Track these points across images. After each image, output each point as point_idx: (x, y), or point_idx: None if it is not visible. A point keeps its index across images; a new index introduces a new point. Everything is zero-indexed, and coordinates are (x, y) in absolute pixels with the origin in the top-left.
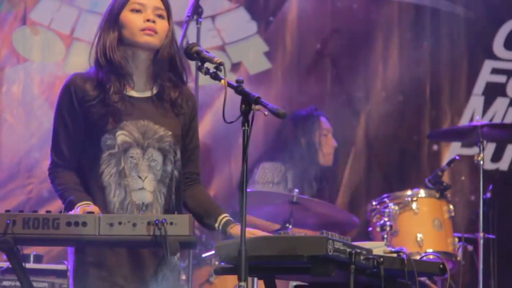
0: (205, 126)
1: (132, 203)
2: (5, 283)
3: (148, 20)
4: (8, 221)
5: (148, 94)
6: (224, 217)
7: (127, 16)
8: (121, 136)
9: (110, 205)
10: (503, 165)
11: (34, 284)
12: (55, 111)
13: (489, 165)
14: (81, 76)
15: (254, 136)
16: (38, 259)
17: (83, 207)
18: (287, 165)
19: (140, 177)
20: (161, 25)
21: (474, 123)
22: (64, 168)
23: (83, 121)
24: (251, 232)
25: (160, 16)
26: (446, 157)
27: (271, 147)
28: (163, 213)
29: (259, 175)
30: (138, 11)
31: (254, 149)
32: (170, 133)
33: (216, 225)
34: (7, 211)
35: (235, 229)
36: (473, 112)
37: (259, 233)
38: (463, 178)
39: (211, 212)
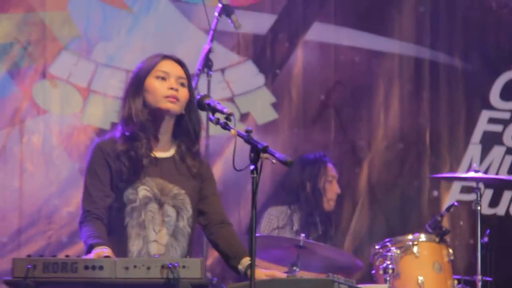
0: (216, 174)
1: (148, 253)
2: None
3: (171, 88)
4: (29, 266)
5: (169, 154)
6: (248, 260)
7: (152, 82)
8: (143, 191)
9: (129, 254)
10: (500, 210)
11: None
12: (86, 167)
13: (487, 210)
14: (109, 140)
15: (262, 182)
16: None
17: (98, 252)
18: (293, 207)
19: (154, 230)
20: (183, 93)
21: (472, 176)
22: (96, 217)
23: (112, 177)
24: (269, 274)
25: (182, 84)
26: (445, 203)
27: (277, 189)
28: None
29: (264, 223)
30: (162, 78)
31: (261, 195)
32: (183, 191)
33: (240, 267)
34: (28, 256)
35: (256, 273)
36: (471, 160)
37: (278, 274)
38: (461, 223)
39: (236, 254)
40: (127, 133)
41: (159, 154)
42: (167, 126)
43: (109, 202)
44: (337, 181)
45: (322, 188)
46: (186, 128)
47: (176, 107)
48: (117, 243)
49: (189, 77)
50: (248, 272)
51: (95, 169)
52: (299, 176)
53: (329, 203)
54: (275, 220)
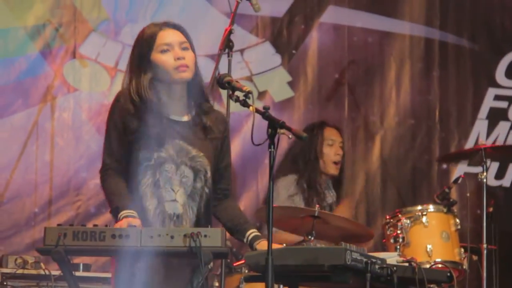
0: (235, 149)
1: (164, 212)
2: None
3: (179, 58)
4: (60, 234)
5: (185, 119)
6: (252, 233)
7: (158, 58)
8: (157, 152)
9: (146, 212)
10: (505, 182)
11: None
12: (107, 119)
13: (493, 182)
14: (126, 94)
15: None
16: (86, 268)
17: (128, 220)
18: (300, 174)
19: (173, 190)
20: (190, 58)
21: (478, 146)
22: (115, 170)
23: (128, 134)
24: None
25: (185, 48)
26: (454, 175)
27: (283, 161)
28: (192, 225)
29: (279, 195)
30: (166, 51)
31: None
32: (202, 154)
33: (245, 240)
34: (59, 225)
35: (261, 245)
36: (478, 135)
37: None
38: (468, 194)
39: (240, 227)
40: (138, 101)
41: (176, 117)
42: (181, 92)
43: (127, 154)
44: (341, 144)
45: (320, 152)
46: (197, 89)
47: (188, 75)
48: (134, 200)
49: (189, 38)
50: (254, 244)
51: (115, 121)
52: (300, 143)
53: (332, 167)
54: (283, 192)
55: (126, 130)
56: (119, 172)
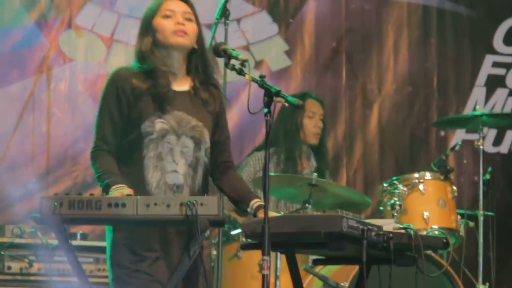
0: (232, 117)
1: (166, 183)
2: (55, 258)
3: (178, 23)
4: (56, 203)
5: (185, 88)
6: (255, 202)
7: (159, 21)
8: (160, 124)
9: (148, 185)
10: (503, 149)
11: (80, 259)
12: (101, 100)
13: (491, 149)
14: (126, 70)
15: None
16: (84, 237)
17: (120, 191)
18: (276, 147)
19: (174, 161)
20: (191, 27)
21: (474, 112)
22: (106, 151)
23: (126, 109)
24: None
25: (189, 19)
26: (452, 142)
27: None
28: (190, 194)
29: (247, 169)
30: (168, 16)
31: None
32: (201, 123)
33: (249, 210)
34: (55, 194)
35: (263, 214)
36: (476, 102)
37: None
38: (465, 161)
39: (244, 198)
40: (146, 69)
41: (176, 87)
42: (180, 61)
43: (119, 137)
44: (321, 117)
45: (300, 123)
46: (198, 63)
47: (185, 41)
48: (135, 174)
49: (195, 12)
50: (257, 213)
51: (108, 102)
52: (282, 111)
53: (312, 137)
54: (257, 163)
55: (127, 104)
56: (110, 152)
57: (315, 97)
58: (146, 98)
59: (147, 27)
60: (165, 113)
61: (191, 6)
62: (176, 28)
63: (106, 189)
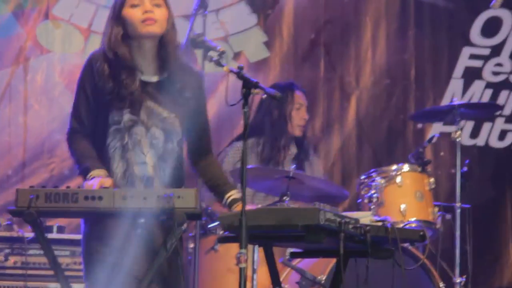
0: (210, 110)
1: (134, 175)
2: (31, 251)
3: (146, 11)
4: (32, 196)
5: (156, 79)
6: (230, 196)
7: (127, 11)
8: (128, 115)
9: (113, 175)
10: (480, 141)
11: (57, 252)
12: (77, 82)
13: (468, 141)
14: (101, 54)
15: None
16: (60, 230)
17: (100, 181)
18: (257, 138)
19: (142, 153)
20: (160, 13)
21: (452, 103)
22: (82, 134)
23: (101, 93)
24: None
25: (157, 5)
26: (429, 134)
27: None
28: (161, 185)
29: (228, 158)
30: (136, 5)
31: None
32: (173, 115)
33: (223, 202)
34: (31, 187)
35: (238, 208)
36: (453, 94)
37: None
38: (442, 153)
39: (220, 189)
40: (112, 57)
41: (148, 78)
42: (152, 50)
43: (94, 120)
44: (306, 109)
45: (288, 115)
46: (170, 47)
47: (155, 28)
48: (101, 163)
49: None
50: (232, 207)
51: (84, 85)
52: (268, 104)
53: (297, 129)
54: (237, 154)
55: (99, 92)
56: (87, 135)
57: (301, 88)
58: (117, 88)
59: (117, 18)
60: (135, 106)
61: None
62: (145, 16)
63: (84, 173)
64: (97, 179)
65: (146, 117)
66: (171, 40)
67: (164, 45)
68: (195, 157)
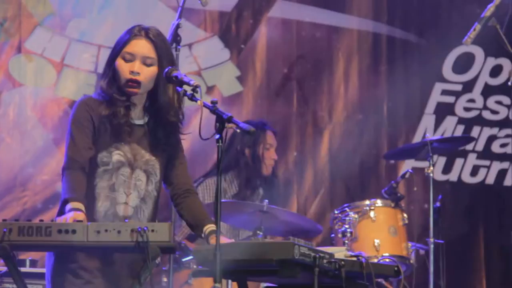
0: (184, 144)
1: (115, 214)
2: (5, 285)
3: (133, 72)
4: (5, 230)
5: (141, 122)
6: (208, 227)
7: (119, 63)
8: (116, 156)
9: (97, 214)
10: (452, 177)
11: (30, 286)
12: (71, 120)
13: (440, 177)
14: (92, 98)
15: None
16: (33, 263)
17: (73, 216)
18: (231, 173)
19: (125, 193)
20: (147, 73)
21: (424, 139)
22: (79, 167)
23: (93, 135)
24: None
25: (148, 64)
26: (402, 169)
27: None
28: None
29: (202, 193)
30: (128, 60)
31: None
32: (153, 158)
33: (202, 235)
34: (4, 220)
35: (214, 240)
36: (425, 129)
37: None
38: (415, 189)
39: (199, 223)
40: (107, 98)
41: (135, 120)
42: (139, 98)
43: (92, 154)
44: (275, 149)
45: (260, 155)
46: (157, 101)
47: (136, 91)
48: (87, 202)
49: (160, 53)
50: (209, 239)
51: (81, 121)
52: (240, 142)
53: (267, 169)
54: (206, 191)
55: (93, 130)
56: (82, 168)
57: (272, 128)
58: (106, 128)
59: (110, 64)
60: (123, 145)
61: (157, 47)
62: (129, 77)
63: (63, 204)
64: (70, 213)
65: (133, 158)
66: (157, 93)
67: (150, 96)
68: (175, 196)
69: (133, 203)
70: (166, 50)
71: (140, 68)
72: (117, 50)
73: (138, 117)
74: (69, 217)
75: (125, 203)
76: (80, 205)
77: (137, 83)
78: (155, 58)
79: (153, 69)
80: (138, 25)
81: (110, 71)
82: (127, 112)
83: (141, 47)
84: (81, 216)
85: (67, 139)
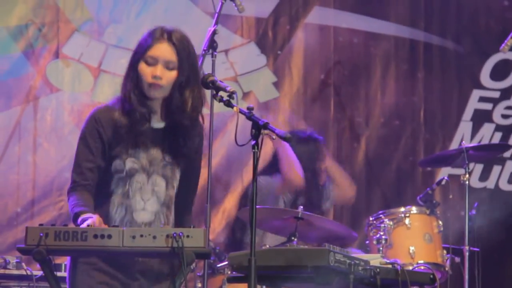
0: (219, 149)
1: (132, 221)
2: None
3: (155, 76)
4: (41, 234)
5: (161, 125)
6: None
7: (141, 67)
8: (130, 163)
9: (111, 221)
10: (490, 184)
11: None
12: (80, 137)
13: (477, 184)
14: (106, 108)
15: (263, 156)
16: None
17: (96, 218)
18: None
19: (142, 199)
20: (169, 77)
21: (460, 147)
22: (83, 188)
23: (106, 146)
24: None
25: (170, 68)
26: (439, 176)
27: (271, 162)
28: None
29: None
30: (151, 64)
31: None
32: (172, 161)
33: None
34: (41, 225)
35: None
36: (462, 136)
37: None
38: (451, 196)
39: None
40: (127, 108)
41: (154, 124)
42: (157, 103)
43: (98, 173)
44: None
45: (317, 168)
46: (175, 105)
47: (158, 94)
48: (101, 209)
49: (181, 57)
50: None
51: (87, 139)
52: (303, 153)
53: (322, 179)
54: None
55: (104, 143)
56: (89, 189)
57: (321, 137)
58: (122, 136)
59: (132, 69)
60: (138, 152)
61: (179, 51)
62: (152, 81)
63: (75, 218)
64: (88, 220)
65: (148, 164)
66: (177, 97)
67: (169, 101)
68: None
69: (152, 208)
70: (188, 53)
71: (162, 73)
72: (140, 53)
73: (157, 121)
74: (93, 220)
75: (143, 209)
76: (91, 214)
77: (160, 86)
78: (176, 62)
79: (174, 73)
80: (160, 27)
81: (133, 74)
82: (148, 118)
83: (164, 51)
84: (97, 219)
85: (74, 157)
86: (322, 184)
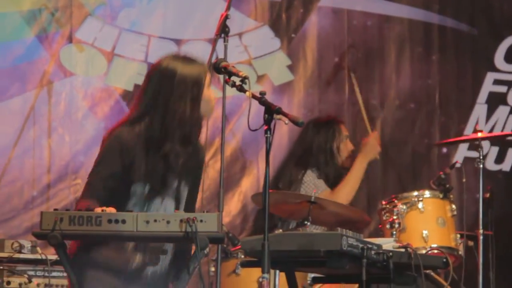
0: (235, 131)
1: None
2: (54, 273)
3: None
4: (56, 219)
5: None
6: None
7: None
8: (148, 187)
9: (126, 245)
10: (505, 167)
11: None
12: (99, 154)
13: (493, 166)
14: (128, 129)
15: (279, 140)
16: None
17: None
18: (316, 170)
19: None
20: None
21: (474, 135)
22: (94, 197)
23: (127, 168)
24: None
25: None
26: (454, 159)
27: (299, 153)
28: (173, 249)
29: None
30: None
31: (279, 152)
32: (182, 182)
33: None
34: (55, 209)
35: None
36: (477, 118)
37: None
38: (464, 179)
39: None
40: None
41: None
42: None
43: (110, 194)
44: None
45: (337, 149)
46: (177, 129)
47: None
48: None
49: None
50: None
51: (107, 161)
52: (316, 139)
53: (344, 161)
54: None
55: (124, 167)
56: (97, 199)
57: (342, 120)
58: (142, 160)
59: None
60: (155, 175)
61: None
62: None
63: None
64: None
65: (163, 188)
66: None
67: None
68: None
69: None
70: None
71: None
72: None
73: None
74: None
75: None
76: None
77: None
78: None
79: None
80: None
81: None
82: (162, 146)
83: None
84: (112, 209)
85: (90, 174)
86: (340, 164)
